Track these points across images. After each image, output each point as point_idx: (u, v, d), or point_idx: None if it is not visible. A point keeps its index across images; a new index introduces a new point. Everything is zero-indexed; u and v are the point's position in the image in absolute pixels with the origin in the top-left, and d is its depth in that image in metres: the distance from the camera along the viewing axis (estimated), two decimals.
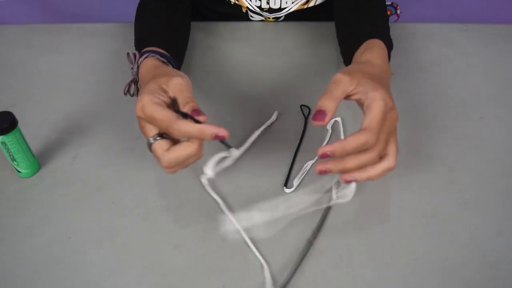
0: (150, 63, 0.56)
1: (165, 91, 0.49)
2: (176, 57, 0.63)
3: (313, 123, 0.46)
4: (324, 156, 0.45)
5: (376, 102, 0.46)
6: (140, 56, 0.58)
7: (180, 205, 0.56)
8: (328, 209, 0.54)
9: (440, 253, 0.52)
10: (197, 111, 0.47)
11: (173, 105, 0.47)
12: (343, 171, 0.47)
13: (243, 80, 0.75)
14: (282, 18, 0.86)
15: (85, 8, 1.36)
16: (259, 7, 0.83)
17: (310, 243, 0.51)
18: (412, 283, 0.49)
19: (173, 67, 0.59)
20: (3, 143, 0.54)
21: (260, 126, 0.66)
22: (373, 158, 0.46)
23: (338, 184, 0.56)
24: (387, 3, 0.75)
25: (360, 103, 0.49)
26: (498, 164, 0.62)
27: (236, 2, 0.83)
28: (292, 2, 0.82)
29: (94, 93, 0.72)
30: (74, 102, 0.70)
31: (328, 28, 0.84)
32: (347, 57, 0.63)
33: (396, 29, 0.83)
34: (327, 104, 0.46)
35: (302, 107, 0.68)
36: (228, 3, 0.83)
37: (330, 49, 0.79)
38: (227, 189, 0.58)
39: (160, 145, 0.48)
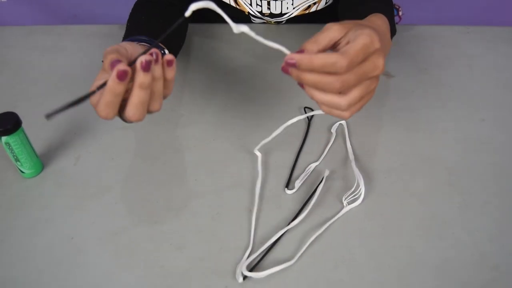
0: None
1: (106, 70, 0.46)
2: (164, 43, 0.58)
3: (286, 58, 0.42)
4: (289, 65, 0.43)
5: (361, 36, 0.42)
6: None
7: (183, 206, 0.57)
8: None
9: (441, 255, 0.52)
10: (116, 62, 0.43)
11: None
12: (306, 70, 0.43)
13: (244, 81, 0.75)
14: (284, 23, 0.86)
15: (87, 10, 1.37)
16: (260, 12, 0.83)
17: None
18: (413, 285, 0.49)
19: (152, 44, 0.55)
20: (7, 143, 0.55)
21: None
22: (333, 84, 0.42)
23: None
24: None
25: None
26: (499, 166, 0.62)
27: (237, 7, 0.83)
28: (294, 8, 0.82)
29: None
30: None
31: None
32: None
33: (398, 31, 0.83)
34: (309, 46, 0.44)
35: (306, 109, 0.68)
36: (230, 6, 0.83)
37: None
38: (227, 190, 0.58)
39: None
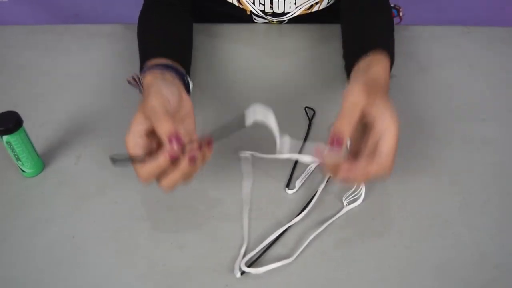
0: (146, 82, 0.55)
1: (147, 117, 0.49)
2: (181, 62, 0.62)
3: (328, 148, 0.47)
4: (344, 179, 0.48)
5: (389, 137, 0.47)
6: (142, 75, 0.57)
7: (183, 205, 0.57)
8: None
9: (442, 255, 0.52)
10: (175, 139, 0.46)
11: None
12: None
13: (247, 81, 0.75)
14: (286, 22, 0.86)
15: (88, 9, 1.37)
16: (263, 11, 0.83)
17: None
18: (413, 285, 0.49)
19: (177, 72, 0.58)
20: (8, 142, 0.55)
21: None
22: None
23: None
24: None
25: (367, 122, 0.49)
26: (500, 166, 0.62)
27: (240, 6, 0.83)
28: (296, 7, 0.82)
29: (97, 93, 0.72)
30: (78, 102, 0.70)
31: (332, 30, 0.84)
32: (351, 63, 0.62)
33: (398, 32, 0.83)
34: (344, 128, 0.47)
35: (307, 109, 0.68)
36: (233, 6, 0.83)
37: (334, 51, 0.80)
38: (228, 189, 0.58)
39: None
